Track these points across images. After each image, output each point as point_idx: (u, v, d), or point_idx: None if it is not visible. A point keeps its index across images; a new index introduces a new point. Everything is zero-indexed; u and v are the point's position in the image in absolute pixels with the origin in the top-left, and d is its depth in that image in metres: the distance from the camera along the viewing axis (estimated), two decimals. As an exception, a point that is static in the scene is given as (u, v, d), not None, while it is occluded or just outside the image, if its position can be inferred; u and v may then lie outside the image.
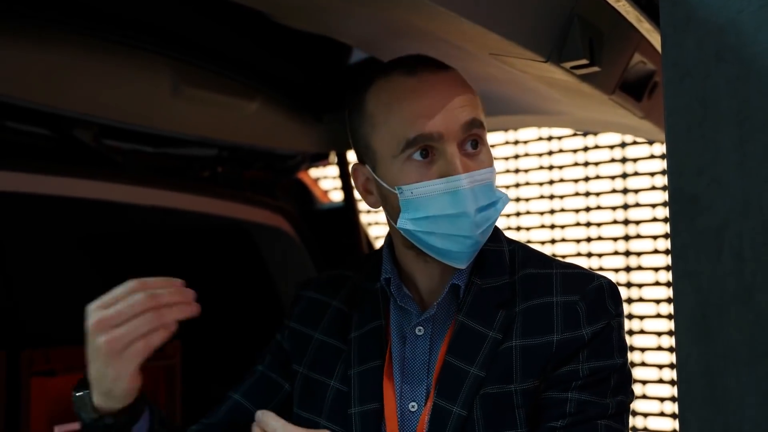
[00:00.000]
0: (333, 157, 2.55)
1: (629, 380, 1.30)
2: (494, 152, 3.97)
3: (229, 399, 1.43)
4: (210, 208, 2.22)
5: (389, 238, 1.40)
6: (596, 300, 1.28)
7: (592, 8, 1.31)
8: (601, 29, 1.34)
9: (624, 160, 3.62)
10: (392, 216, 1.31)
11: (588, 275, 1.32)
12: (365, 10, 1.37)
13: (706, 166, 0.98)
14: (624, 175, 3.63)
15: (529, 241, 3.87)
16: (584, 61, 1.30)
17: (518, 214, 3.95)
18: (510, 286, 1.32)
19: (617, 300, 1.30)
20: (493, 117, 1.95)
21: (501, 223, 3.96)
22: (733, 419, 0.94)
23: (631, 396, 1.30)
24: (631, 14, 1.30)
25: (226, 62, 1.98)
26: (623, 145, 3.60)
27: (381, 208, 1.35)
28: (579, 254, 3.74)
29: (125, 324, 1.11)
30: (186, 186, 2.17)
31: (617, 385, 1.27)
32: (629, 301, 3.59)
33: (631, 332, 3.58)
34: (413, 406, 1.29)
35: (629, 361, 1.33)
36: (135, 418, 1.22)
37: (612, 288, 1.30)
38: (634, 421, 3.62)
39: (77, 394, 1.20)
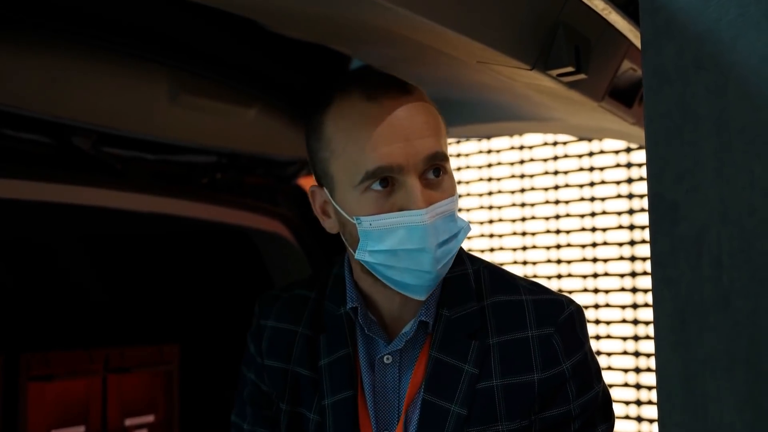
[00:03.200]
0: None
1: (610, 402, 1.32)
2: (499, 157, 3.99)
3: None
4: (210, 215, 2.23)
5: (348, 261, 1.37)
6: (570, 331, 1.28)
7: (578, 16, 1.31)
8: (587, 37, 1.35)
9: (629, 165, 3.62)
10: (351, 244, 1.28)
11: (557, 302, 1.30)
12: (354, 20, 1.38)
13: (686, 172, 0.98)
14: (629, 180, 3.62)
15: (534, 247, 3.87)
16: (570, 69, 1.30)
17: (524, 219, 3.94)
18: (479, 313, 1.30)
19: (585, 325, 1.32)
20: (486, 124, 1.96)
21: (506, 228, 3.97)
22: (712, 425, 0.94)
23: (613, 418, 1.33)
24: (619, 22, 1.31)
25: (225, 69, 1.99)
26: (628, 150, 3.60)
27: (339, 232, 1.32)
28: (584, 259, 3.73)
29: None
30: (186, 193, 2.18)
31: (603, 410, 1.30)
32: (635, 306, 3.58)
33: (637, 338, 3.57)
34: None
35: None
36: None
37: (580, 314, 1.31)
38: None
39: None
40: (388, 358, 1.30)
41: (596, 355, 3.42)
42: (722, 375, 0.94)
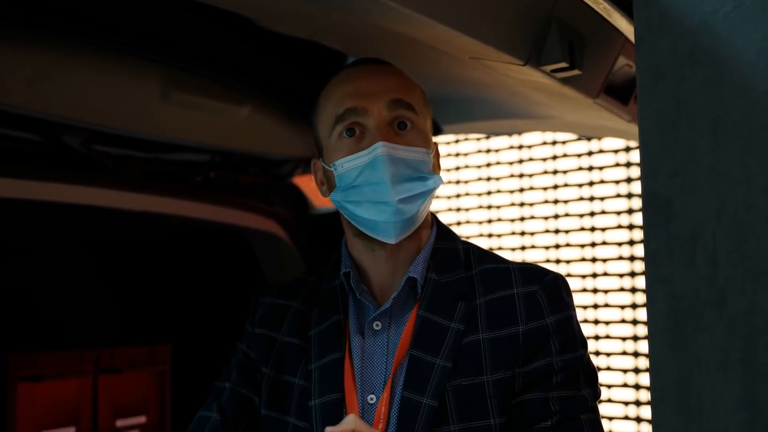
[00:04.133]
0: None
1: (595, 372, 1.35)
2: (498, 157, 3.98)
3: (202, 419, 1.42)
4: (203, 214, 2.22)
5: (344, 237, 1.44)
6: (555, 291, 1.34)
7: (572, 11, 1.30)
8: (582, 32, 1.34)
9: (629, 165, 3.60)
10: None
11: (543, 269, 1.37)
12: (346, 16, 1.37)
13: (680, 169, 0.97)
14: (629, 180, 3.61)
15: (533, 246, 3.85)
16: (564, 65, 1.29)
17: (523, 218, 3.93)
18: (467, 280, 1.35)
19: (570, 294, 1.37)
20: (482, 122, 1.95)
21: (506, 227, 3.96)
22: (707, 426, 0.94)
23: (598, 388, 1.35)
24: (614, 17, 1.29)
25: (217, 67, 1.98)
26: (627, 149, 3.58)
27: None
28: (583, 259, 3.72)
29: None
30: (179, 191, 2.17)
31: (587, 376, 1.32)
32: (634, 306, 3.56)
33: (636, 338, 3.56)
34: (371, 399, 1.32)
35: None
36: None
37: (565, 282, 1.37)
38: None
39: None
40: (377, 324, 1.34)
41: (595, 356, 3.41)
42: (717, 375, 0.93)
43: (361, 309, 1.38)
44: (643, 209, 0.99)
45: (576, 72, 1.33)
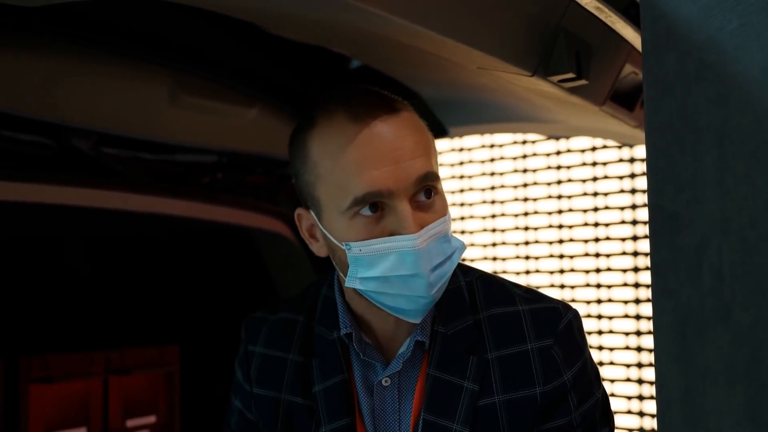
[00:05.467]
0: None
1: (610, 406, 1.32)
2: (502, 152, 3.98)
3: None
4: (210, 215, 2.23)
5: (338, 282, 1.33)
6: (569, 340, 1.27)
7: (579, 21, 1.30)
8: (588, 42, 1.34)
9: (632, 160, 3.60)
10: (341, 269, 1.25)
11: (554, 310, 1.28)
12: (353, 26, 1.37)
13: (687, 183, 0.97)
14: (632, 175, 3.61)
15: (536, 241, 3.86)
16: (571, 75, 1.29)
17: (526, 214, 3.93)
18: (475, 326, 1.27)
19: (583, 332, 1.30)
20: (489, 124, 1.95)
21: (508, 223, 3.96)
22: (712, 438, 0.94)
23: (613, 421, 1.32)
24: (620, 27, 1.30)
25: (224, 70, 1.99)
26: (631, 145, 3.58)
27: (328, 255, 1.29)
28: (587, 254, 3.73)
29: None
30: (186, 193, 2.18)
31: (603, 415, 1.30)
32: (637, 301, 3.57)
33: (639, 333, 3.57)
34: None
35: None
36: None
37: (578, 321, 1.29)
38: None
39: None
40: (386, 381, 1.27)
41: (598, 351, 3.41)
42: (723, 388, 0.94)
43: (366, 366, 1.30)
44: (650, 222, 1.00)
45: (583, 82, 1.33)
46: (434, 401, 1.23)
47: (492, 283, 1.34)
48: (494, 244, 4.02)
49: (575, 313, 1.30)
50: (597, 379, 1.30)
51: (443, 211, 1.22)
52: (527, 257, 3.91)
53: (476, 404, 1.23)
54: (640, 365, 3.55)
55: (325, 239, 1.24)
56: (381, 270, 1.16)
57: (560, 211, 3.80)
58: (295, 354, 1.34)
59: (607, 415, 1.31)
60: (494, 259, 3.92)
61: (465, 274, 1.34)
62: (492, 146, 4.02)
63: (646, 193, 1.01)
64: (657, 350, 0.98)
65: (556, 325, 1.26)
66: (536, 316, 1.27)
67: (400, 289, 1.17)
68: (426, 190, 1.20)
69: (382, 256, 1.16)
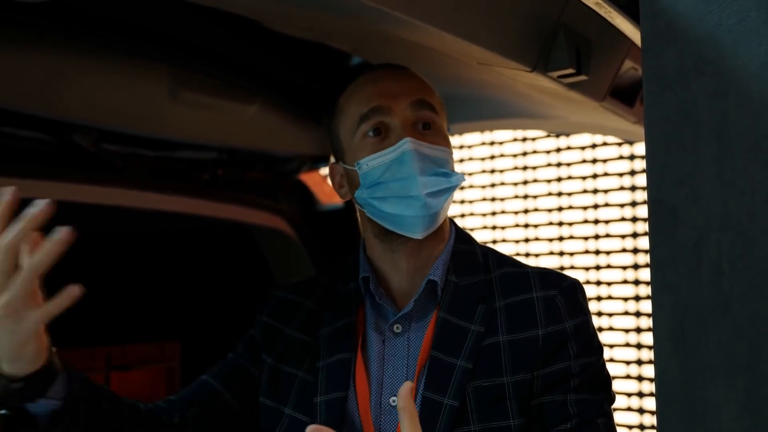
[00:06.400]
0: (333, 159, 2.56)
1: (609, 378, 1.36)
2: (502, 149, 3.98)
3: (198, 380, 1.46)
4: (210, 212, 2.23)
5: (363, 240, 1.46)
6: (573, 296, 1.35)
7: (578, 17, 1.30)
8: (588, 37, 1.34)
9: (632, 157, 3.60)
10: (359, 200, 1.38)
11: (561, 274, 1.39)
12: (354, 23, 1.38)
13: (686, 178, 0.98)
14: (632, 172, 3.61)
15: (536, 238, 3.87)
16: (571, 71, 1.30)
17: (526, 211, 3.94)
18: (487, 283, 1.37)
19: (587, 300, 1.38)
20: (488, 121, 1.96)
21: (509, 220, 3.97)
22: (711, 431, 0.94)
23: (613, 393, 1.36)
24: (620, 23, 1.30)
25: (224, 66, 1.99)
26: (631, 142, 3.58)
27: (351, 198, 1.41)
28: (587, 251, 3.73)
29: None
30: (186, 189, 2.18)
31: (603, 381, 1.34)
32: (637, 298, 3.57)
33: (639, 329, 3.58)
34: (393, 401, 1.31)
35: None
36: (49, 381, 1.17)
37: (582, 289, 1.38)
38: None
39: None
40: (398, 327, 1.35)
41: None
42: (722, 381, 0.94)
43: (380, 312, 1.39)
44: (649, 217, 1.00)
45: (583, 77, 1.34)
46: (442, 340, 1.32)
47: (504, 254, 1.46)
48: (494, 241, 4.02)
49: (581, 284, 1.38)
50: (599, 348, 1.36)
51: (440, 142, 1.35)
52: (527, 254, 3.91)
53: (481, 344, 1.31)
54: (639, 362, 3.56)
55: (347, 177, 1.40)
56: (382, 177, 1.31)
57: (560, 209, 3.80)
58: (312, 302, 1.46)
59: (607, 385, 1.35)
60: (494, 256, 3.92)
61: (481, 246, 1.45)
62: (492, 143, 4.03)
63: (646, 188, 1.01)
64: (656, 344, 0.99)
65: (561, 282, 1.36)
66: (543, 276, 1.38)
67: (397, 190, 1.30)
68: (424, 123, 1.35)
69: (383, 166, 1.31)
